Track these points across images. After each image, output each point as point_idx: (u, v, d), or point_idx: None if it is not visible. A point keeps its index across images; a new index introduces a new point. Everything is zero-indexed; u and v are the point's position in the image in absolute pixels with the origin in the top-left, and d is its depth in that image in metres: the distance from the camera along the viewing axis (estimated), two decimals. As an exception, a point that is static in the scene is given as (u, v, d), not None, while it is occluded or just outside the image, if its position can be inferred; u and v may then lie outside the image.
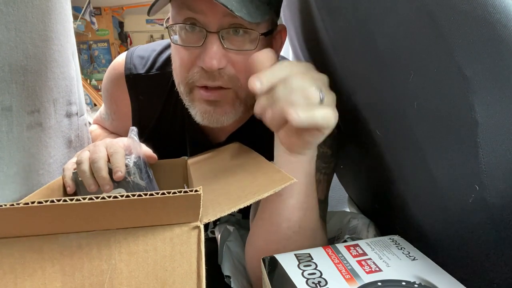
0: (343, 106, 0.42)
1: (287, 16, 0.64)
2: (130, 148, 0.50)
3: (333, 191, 0.58)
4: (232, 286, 0.47)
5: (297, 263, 0.37)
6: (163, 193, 0.27)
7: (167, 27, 0.51)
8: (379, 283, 0.33)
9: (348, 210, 0.77)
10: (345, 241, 0.57)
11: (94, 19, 4.17)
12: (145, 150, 0.54)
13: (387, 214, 0.53)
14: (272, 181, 0.37)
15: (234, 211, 0.37)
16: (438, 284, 0.32)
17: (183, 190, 0.28)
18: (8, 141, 0.43)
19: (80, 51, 4.24)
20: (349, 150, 0.58)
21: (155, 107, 0.64)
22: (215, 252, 0.54)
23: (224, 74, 0.49)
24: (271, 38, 0.54)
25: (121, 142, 0.51)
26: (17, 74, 0.44)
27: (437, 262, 0.36)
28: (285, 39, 0.57)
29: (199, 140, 0.65)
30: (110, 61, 4.27)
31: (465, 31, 0.28)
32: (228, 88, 0.50)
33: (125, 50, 0.68)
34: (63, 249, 0.29)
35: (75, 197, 0.26)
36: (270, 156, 0.48)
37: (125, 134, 0.54)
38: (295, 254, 0.38)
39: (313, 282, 0.33)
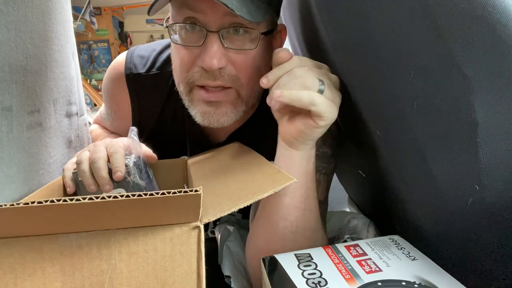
0: (343, 106, 0.42)
1: (286, 16, 0.64)
2: (130, 148, 0.50)
3: (333, 191, 0.58)
4: (232, 286, 0.47)
5: (297, 263, 0.37)
6: (163, 193, 0.27)
7: (167, 27, 0.51)
8: (379, 283, 0.33)
9: (348, 210, 0.77)
10: (345, 241, 0.57)
11: (94, 19, 4.16)
12: (145, 150, 0.54)
13: (387, 214, 0.53)
14: (272, 181, 0.37)
15: (234, 211, 0.37)
16: (438, 284, 0.32)
17: (183, 190, 0.28)
18: (8, 141, 0.43)
19: (80, 51, 4.24)
20: (349, 150, 0.58)
21: (155, 106, 0.64)
22: (215, 252, 0.54)
23: (225, 74, 0.49)
24: (271, 37, 0.54)
25: (121, 142, 0.51)
26: (17, 74, 0.44)
27: (437, 262, 0.36)
28: (285, 39, 0.57)
29: (199, 140, 0.65)
30: (110, 61, 4.27)
31: (465, 31, 0.28)
32: (229, 87, 0.50)
33: (125, 50, 0.68)
34: (63, 249, 0.29)
35: (75, 197, 0.26)
36: (270, 156, 0.48)
37: (125, 134, 0.54)
38: (295, 254, 0.38)
39: (313, 282, 0.33)
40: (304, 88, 0.39)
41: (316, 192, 0.46)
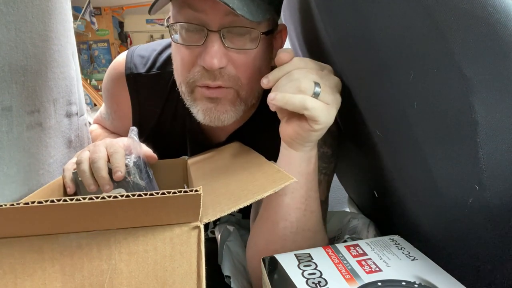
0: (343, 106, 0.42)
1: (287, 16, 0.64)
2: (130, 148, 0.50)
3: (333, 191, 0.58)
4: (232, 286, 0.47)
5: (297, 263, 0.37)
6: (163, 193, 0.27)
7: (167, 26, 0.51)
8: (379, 283, 0.33)
9: (348, 210, 0.77)
10: (345, 241, 0.57)
11: (94, 19, 4.16)
12: (145, 150, 0.54)
13: (387, 214, 0.53)
14: (272, 181, 0.37)
15: (234, 211, 0.37)
16: (438, 284, 0.32)
17: (183, 190, 0.28)
18: (8, 141, 0.43)
19: (80, 51, 4.24)
20: (349, 150, 0.58)
21: (156, 106, 0.64)
22: (215, 252, 0.54)
23: (225, 74, 0.49)
24: (272, 37, 0.54)
25: (121, 142, 0.51)
26: (17, 74, 0.44)
27: (437, 262, 0.36)
28: (286, 39, 0.57)
29: (200, 140, 0.65)
30: (110, 61, 4.27)
31: (465, 31, 0.28)
32: (229, 87, 0.50)
33: (125, 50, 0.68)
34: (63, 249, 0.29)
35: (75, 197, 0.26)
36: (270, 156, 0.48)
37: (125, 134, 0.54)
38: (295, 254, 0.38)
39: (313, 282, 0.33)
40: (298, 91, 0.39)
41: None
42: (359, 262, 0.36)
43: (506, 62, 0.28)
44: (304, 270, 0.35)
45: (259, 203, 0.49)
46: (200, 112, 0.52)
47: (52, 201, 0.26)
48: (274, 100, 0.39)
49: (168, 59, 0.63)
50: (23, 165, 0.46)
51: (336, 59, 0.45)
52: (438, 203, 0.37)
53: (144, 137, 0.60)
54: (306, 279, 0.34)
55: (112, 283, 0.29)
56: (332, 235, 0.61)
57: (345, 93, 0.44)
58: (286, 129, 0.43)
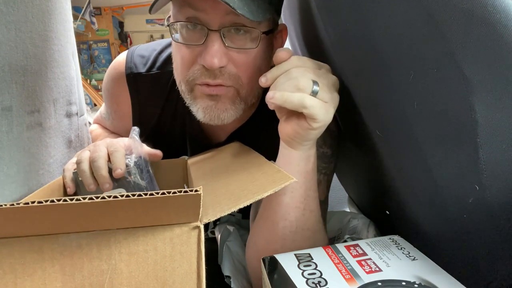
0: (343, 106, 0.42)
1: (287, 16, 0.64)
2: (131, 148, 0.50)
3: (333, 191, 0.58)
4: (232, 286, 0.47)
5: (297, 263, 0.37)
6: (163, 193, 0.27)
7: (168, 25, 0.51)
8: (379, 283, 0.33)
9: (348, 210, 0.77)
10: (345, 241, 0.57)
11: (94, 19, 4.17)
12: (148, 149, 0.54)
13: (387, 214, 0.53)
14: (272, 181, 0.37)
15: (234, 211, 0.37)
16: (438, 284, 0.32)
17: (183, 190, 0.28)
18: (8, 141, 0.43)
19: (80, 51, 4.24)
20: (349, 150, 0.58)
21: (156, 106, 0.64)
22: (215, 252, 0.54)
23: (225, 73, 0.49)
24: (272, 37, 0.54)
25: (121, 141, 0.51)
26: (17, 74, 0.44)
27: (437, 262, 0.36)
28: (286, 38, 0.57)
29: (200, 140, 0.65)
30: (110, 61, 4.27)
31: (465, 31, 0.28)
32: (229, 86, 0.50)
33: (125, 50, 0.68)
34: (63, 249, 0.29)
35: (75, 197, 0.26)
36: (270, 156, 0.48)
37: (125, 133, 0.54)
38: (295, 254, 0.38)
39: (313, 282, 0.33)
40: (296, 90, 0.39)
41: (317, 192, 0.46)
42: (359, 262, 0.36)
43: (506, 62, 0.28)
44: (304, 270, 0.35)
45: (258, 203, 0.49)
46: (200, 110, 0.52)
47: (52, 201, 0.26)
48: (273, 98, 0.39)
49: (168, 59, 0.63)
50: (23, 165, 0.46)
51: (336, 59, 0.45)
52: (438, 203, 0.37)
53: (144, 137, 0.60)
54: (306, 279, 0.34)
55: (112, 283, 0.29)
56: (332, 235, 0.61)
57: (345, 93, 0.44)
58: (285, 128, 0.43)
